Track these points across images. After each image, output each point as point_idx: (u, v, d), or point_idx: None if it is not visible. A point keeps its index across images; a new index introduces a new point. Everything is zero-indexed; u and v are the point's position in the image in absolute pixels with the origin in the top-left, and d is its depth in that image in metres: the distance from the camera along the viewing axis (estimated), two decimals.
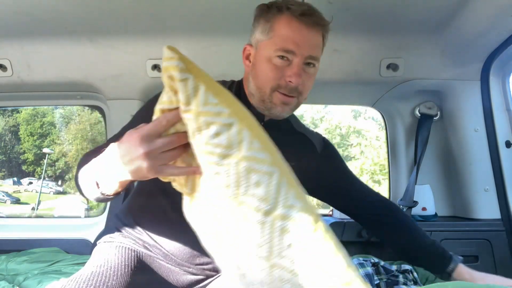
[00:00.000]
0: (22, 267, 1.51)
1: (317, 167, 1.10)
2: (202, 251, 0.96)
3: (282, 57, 0.90)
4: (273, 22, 0.92)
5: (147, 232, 1.01)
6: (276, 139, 0.98)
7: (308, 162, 1.07)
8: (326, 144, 1.17)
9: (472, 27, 1.41)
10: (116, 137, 0.82)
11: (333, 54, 1.58)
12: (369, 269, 1.25)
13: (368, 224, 1.25)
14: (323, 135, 1.19)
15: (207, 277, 1.01)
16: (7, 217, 1.96)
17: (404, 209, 1.70)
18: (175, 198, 0.95)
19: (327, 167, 1.14)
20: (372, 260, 1.28)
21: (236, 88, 1.05)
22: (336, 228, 1.66)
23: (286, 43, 0.90)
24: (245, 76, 1.04)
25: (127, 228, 1.03)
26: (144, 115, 0.84)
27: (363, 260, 1.30)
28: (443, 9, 1.38)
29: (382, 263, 1.24)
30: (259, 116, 0.99)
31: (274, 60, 0.91)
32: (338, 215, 1.79)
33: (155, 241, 1.00)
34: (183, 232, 0.94)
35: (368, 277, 1.20)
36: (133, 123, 0.81)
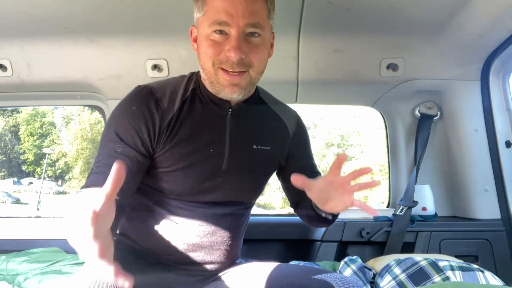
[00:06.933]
0: (22, 267, 1.51)
1: (288, 151, 1.08)
2: (198, 253, 0.96)
3: (219, 31, 0.87)
4: None
5: (139, 241, 1.00)
6: (248, 125, 1.00)
7: (281, 146, 1.06)
8: (298, 127, 1.12)
9: (472, 27, 1.41)
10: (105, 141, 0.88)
11: (333, 54, 1.57)
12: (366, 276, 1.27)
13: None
14: (298, 115, 1.14)
15: (205, 278, 1.01)
16: (7, 217, 1.95)
17: (404, 209, 1.70)
18: (163, 202, 0.95)
19: (295, 151, 1.09)
20: (374, 272, 1.29)
21: (195, 80, 1.00)
22: (336, 228, 1.64)
23: (218, 15, 0.85)
24: None
25: (123, 238, 1.03)
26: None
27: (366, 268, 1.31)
28: (443, 9, 1.37)
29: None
30: (224, 104, 0.96)
31: (212, 36, 0.88)
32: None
33: (148, 248, 0.99)
34: (175, 235, 0.95)
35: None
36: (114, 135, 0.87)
